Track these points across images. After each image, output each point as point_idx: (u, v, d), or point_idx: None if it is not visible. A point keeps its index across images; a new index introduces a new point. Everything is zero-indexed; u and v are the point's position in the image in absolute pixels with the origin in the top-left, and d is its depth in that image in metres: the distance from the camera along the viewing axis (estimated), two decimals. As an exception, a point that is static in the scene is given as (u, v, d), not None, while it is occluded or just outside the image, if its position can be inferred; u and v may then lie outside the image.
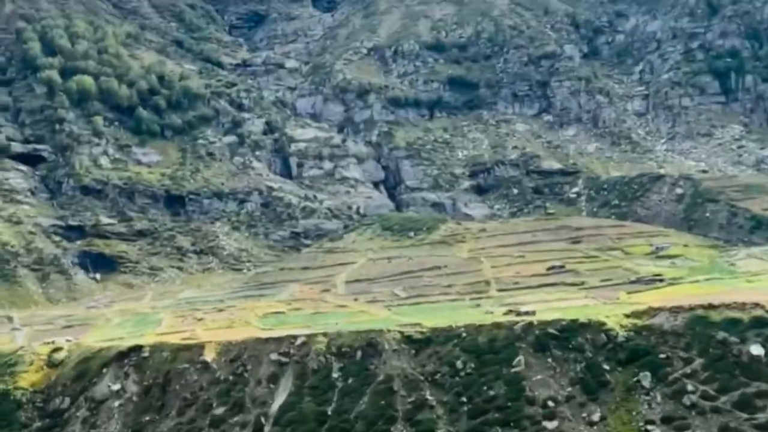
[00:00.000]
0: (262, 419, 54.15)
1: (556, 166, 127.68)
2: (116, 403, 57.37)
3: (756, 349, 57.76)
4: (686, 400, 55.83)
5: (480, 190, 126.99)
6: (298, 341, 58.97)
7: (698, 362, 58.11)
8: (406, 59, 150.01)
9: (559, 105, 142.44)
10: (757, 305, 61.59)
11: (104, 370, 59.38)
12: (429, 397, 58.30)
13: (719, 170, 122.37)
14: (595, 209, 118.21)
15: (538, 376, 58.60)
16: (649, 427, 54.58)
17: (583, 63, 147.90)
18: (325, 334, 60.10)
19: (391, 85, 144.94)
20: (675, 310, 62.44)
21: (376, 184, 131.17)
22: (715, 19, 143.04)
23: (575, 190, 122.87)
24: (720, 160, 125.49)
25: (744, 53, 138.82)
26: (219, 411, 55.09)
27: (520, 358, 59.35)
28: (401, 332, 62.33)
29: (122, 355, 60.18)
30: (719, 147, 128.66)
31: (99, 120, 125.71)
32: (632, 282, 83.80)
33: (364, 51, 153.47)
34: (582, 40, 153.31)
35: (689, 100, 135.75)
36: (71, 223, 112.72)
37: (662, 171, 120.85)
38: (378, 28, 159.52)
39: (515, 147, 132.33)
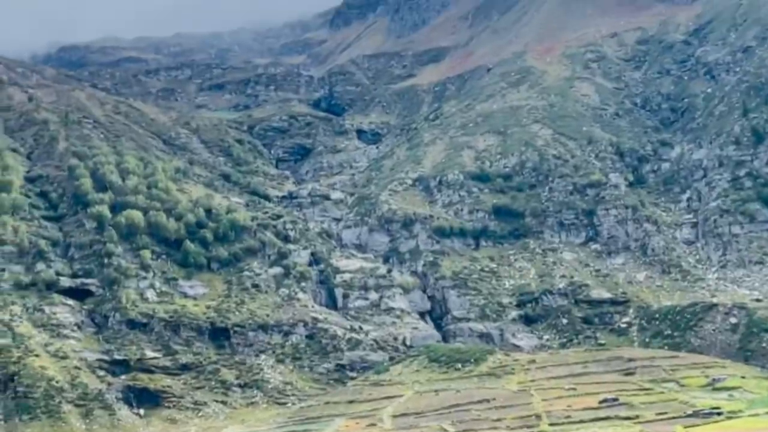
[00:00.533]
0: None
1: (606, 295, 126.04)
2: None
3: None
4: None
5: (528, 320, 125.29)
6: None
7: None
8: (451, 189, 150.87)
9: (606, 233, 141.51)
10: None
11: None
12: None
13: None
14: (647, 339, 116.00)
15: None
16: None
17: (629, 191, 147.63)
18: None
19: (436, 215, 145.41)
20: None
21: (422, 315, 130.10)
22: (762, 147, 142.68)
23: (626, 319, 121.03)
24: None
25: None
26: None
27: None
28: None
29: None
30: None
31: (147, 253, 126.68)
32: (689, 415, 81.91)
33: (409, 182, 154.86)
34: (627, 168, 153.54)
35: (739, 228, 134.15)
36: (116, 357, 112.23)
37: (715, 300, 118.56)
38: (422, 159, 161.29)
39: (563, 276, 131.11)
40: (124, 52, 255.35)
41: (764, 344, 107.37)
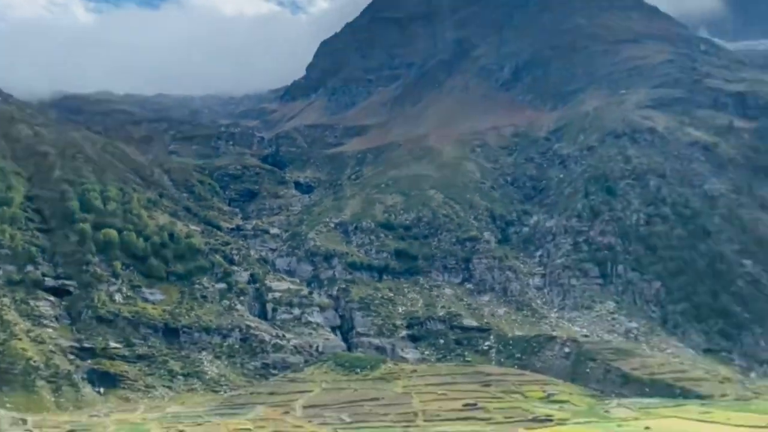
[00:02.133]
0: None
1: (474, 323, 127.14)
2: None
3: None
4: None
5: (414, 339, 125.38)
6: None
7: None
8: (364, 233, 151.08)
9: (478, 276, 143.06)
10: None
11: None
12: None
13: (597, 336, 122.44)
14: (502, 360, 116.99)
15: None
16: None
17: (497, 246, 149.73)
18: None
19: (350, 252, 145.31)
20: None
21: (333, 329, 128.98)
22: (597, 221, 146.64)
23: (487, 343, 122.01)
24: (598, 328, 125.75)
25: (617, 248, 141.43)
26: None
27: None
28: None
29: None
30: (597, 317, 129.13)
31: (118, 264, 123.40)
32: (529, 420, 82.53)
33: (332, 225, 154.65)
34: (497, 228, 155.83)
35: (576, 280, 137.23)
36: (85, 345, 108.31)
37: (554, 333, 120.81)
38: (344, 208, 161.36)
39: (443, 306, 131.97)
40: (115, 104, 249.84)
41: (588, 370, 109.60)
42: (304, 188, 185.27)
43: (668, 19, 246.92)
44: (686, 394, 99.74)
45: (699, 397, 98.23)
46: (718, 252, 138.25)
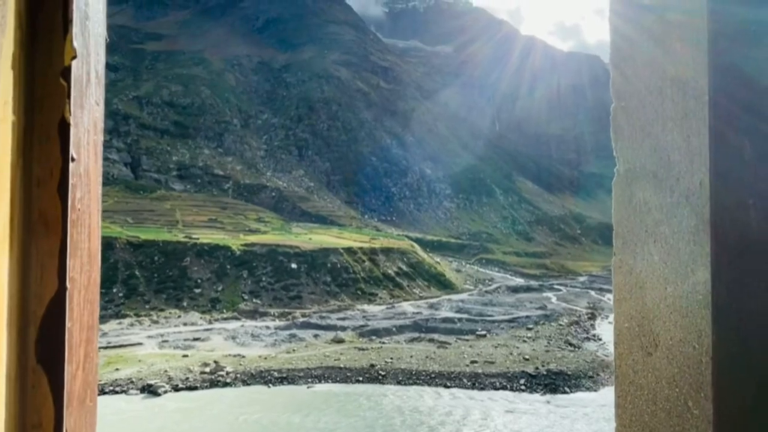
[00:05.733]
0: None
1: (221, 173, 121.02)
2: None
3: (294, 265, 61.56)
4: (260, 284, 57.75)
5: (181, 178, 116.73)
6: None
7: (269, 268, 60.50)
8: (153, 106, 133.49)
9: (225, 145, 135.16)
10: (297, 246, 65.46)
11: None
12: (136, 273, 53.65)
13: (291, 188, 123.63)
14: (235, 196, 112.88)
15: (195, 268, 56.89)
16: (243, 295, 55.88)
17: (240, 129, 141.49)
18: None
19: (142, 117, 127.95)
20: (263, 245, 63.99)
21: (125, 164, 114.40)
22: (300, 124, 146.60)
23: (227, 185, 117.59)
24: (293, 184, 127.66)
25: (309, 141, 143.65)
26: None
27: (188, 258, 57.04)
28: (127, 239, 56.09)
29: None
30: (293, 178, 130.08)
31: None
32: (247, 230, 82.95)
33: (131, 96, 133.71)
34: (242, 119, 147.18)
35: (285, 155, 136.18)
36: None
37: (268, 184, 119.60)
38: (141, 87, 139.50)
39: (203, 160, 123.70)
40: None
41: (283, 205, 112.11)
42: (112, 68, 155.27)
43: (354, 13, 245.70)
44: (333, 223, 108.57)
45: (339, 225, 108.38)
46: (360, 151, 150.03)
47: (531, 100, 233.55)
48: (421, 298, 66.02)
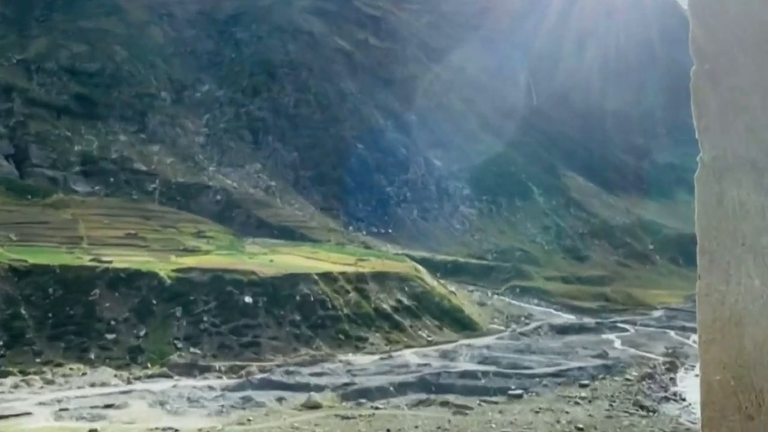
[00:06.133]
0: None
1: (143, 168, 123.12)
2: None
3: (248, 299, 62.51)
4: (201, 326, 58.50)
5: (86, 174, 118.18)
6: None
7: (213, 304, 61.26)
8: (46, 74, 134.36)
9: (151, 129, 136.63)
10: (253, 272, 66.53)
11: None
12: (23, 312, 54.34)
13: (244, 189, 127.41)
14: (164, 201, 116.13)
15: (107, 304, 57.38)
16: (176, 341, 56.26)
17: (171, 106, 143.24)
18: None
19: (31, 89, 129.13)
20: (204, 270, 65.02)
21: (7, 157, 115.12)
22: (257, 98, 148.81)
23: (153, 186, 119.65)
24: (245, 183, 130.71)
25: (269, 122, 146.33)
26: None
27: (96, 290, 57.87)
28: (9, 264, 57.03)
29: None
30: (246, 175, 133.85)
31: None
32: (181, 250, 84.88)
33: (15, 60, 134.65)
34: (173, 90, 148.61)
35: (233, 143, 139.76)
36: None
37: (210, 183, 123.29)
38: (28, 47, 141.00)
39: (116, 150, 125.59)
40: None
41: (233, 215, 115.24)
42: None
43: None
44: (303, 238, 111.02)
45: (312, 241, 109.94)
46: (342, 136, 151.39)
47: (579, 63, 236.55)
48: (429, 343, 66.61)
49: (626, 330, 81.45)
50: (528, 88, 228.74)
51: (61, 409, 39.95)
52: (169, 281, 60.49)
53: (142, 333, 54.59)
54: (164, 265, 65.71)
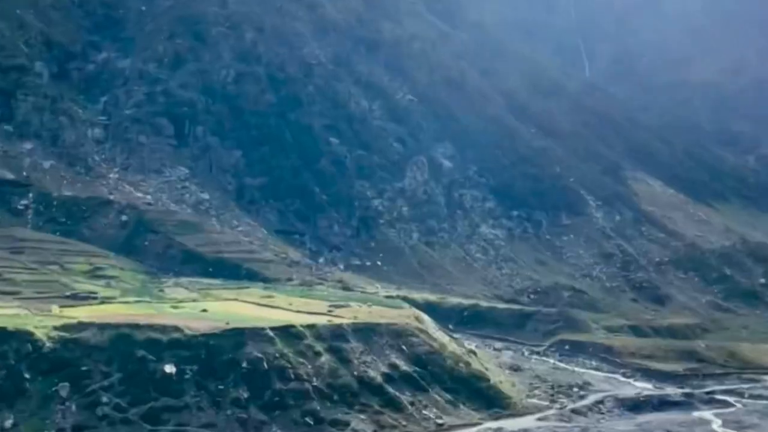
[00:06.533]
0: None
1: (9, 176, 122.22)
2: None
3: (169, 368, 62.00)
4: (99, 411, 57.86)
5: None
6: None
7: (116, 376, 60.64)
8: None
9: (21, 117, 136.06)
10: (176, 328, 66.11)
11: None
12: None
13: (163, 205, 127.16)
14: (41, 224, 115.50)
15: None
16: (60, 435, 55.60)
17: (51, 82, 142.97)
18: None
19: None
20: (103, 327, 64.47)
21: None
22: (179, 71, 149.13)
23: (24, 202, 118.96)
24: (165, 196, 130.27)
25: (199, 105, 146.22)
26: None
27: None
28: None
29: None
30: (166, 184, 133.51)
31: None
32: (67, 296, 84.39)
33: None
34: (53, 60, 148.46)
35: (145, 138, 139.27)
36: None
37: (111, 197, 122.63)
38: None
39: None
40: None
41: (147, 243, 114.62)
42: None
43: None
44: (252, 276, 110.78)
45: (265, 280, 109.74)
46: (307, 125, 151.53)
47: (654, 17, 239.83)
48: (439, 428, 66.19)
49: (729, 404, 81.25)
50: (577, 54, 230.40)
51: None
52: (49, 345, 59.68)
53: (8, 423, 53.78)
54: (41, 321, 65.02)
